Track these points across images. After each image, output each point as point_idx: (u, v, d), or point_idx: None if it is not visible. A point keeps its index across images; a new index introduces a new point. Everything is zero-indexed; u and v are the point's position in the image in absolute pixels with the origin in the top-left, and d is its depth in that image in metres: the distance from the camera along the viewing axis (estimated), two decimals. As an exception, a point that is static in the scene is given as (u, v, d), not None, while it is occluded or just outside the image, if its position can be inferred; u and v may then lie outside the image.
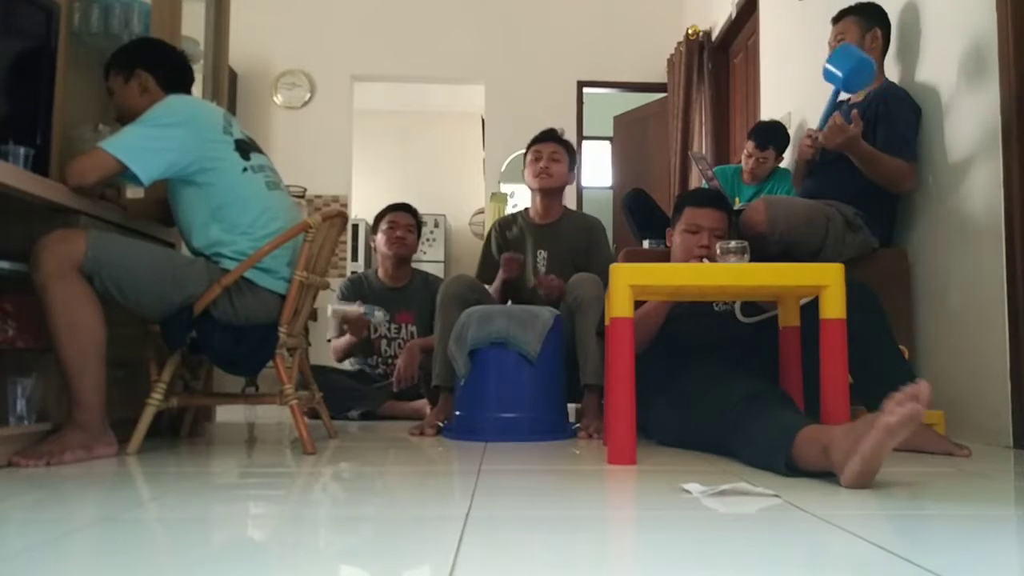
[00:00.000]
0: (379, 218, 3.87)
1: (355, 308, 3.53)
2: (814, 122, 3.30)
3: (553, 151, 3.19)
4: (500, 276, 3.14)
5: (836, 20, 3.05)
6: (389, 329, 3.73)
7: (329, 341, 3.82)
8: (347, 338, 3.69)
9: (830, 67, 2.87)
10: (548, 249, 3.18)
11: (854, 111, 2.72)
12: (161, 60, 2.40)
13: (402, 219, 3.81)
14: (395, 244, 3.76)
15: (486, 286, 3.18)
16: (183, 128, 2.22)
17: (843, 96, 3.01)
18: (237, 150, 2.32)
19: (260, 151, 2.45)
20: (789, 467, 1.72)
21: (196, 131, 2.25)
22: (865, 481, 1.59)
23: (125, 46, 2.43)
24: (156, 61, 2.38)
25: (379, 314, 3.53)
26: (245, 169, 2.32)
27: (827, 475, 1.67)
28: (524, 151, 3.29)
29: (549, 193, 3.20)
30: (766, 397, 1.97)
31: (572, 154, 3.27)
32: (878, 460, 1.57)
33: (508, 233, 3.29)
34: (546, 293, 2.99)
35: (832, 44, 3.02)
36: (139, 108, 2.28)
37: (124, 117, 2.35)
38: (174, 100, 2.29)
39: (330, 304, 3.67)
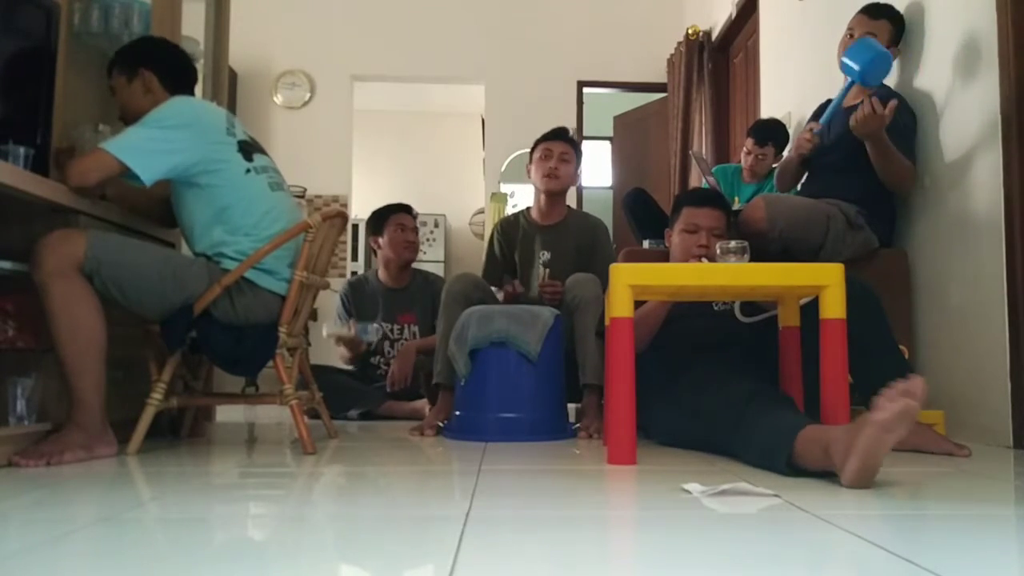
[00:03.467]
0: (381, 220, 3.78)
1: (348, 331, 3.55)
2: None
3: (564, 151, 3.14)
4: (501, 298, 3.13)
5: (873, 16, 2.94)
6: (391, 330, 3.73)
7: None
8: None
9: (847, 60, 2.82)
10: (552, 249, 3.16)
11: (892, 100, 2.65)
12: (165, 60, 2.40)
13: (409, 221, 3.77)
14: (409, 248, 3.73)
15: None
16: (186, 130, 2.22)
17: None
18: (240, 151, 2.32)
19: (263, 152, 2.44)
20: (791, 466, 1.72)
21: (199, 133, 2.24)
22: (865, 480, 1.58)
23: (128, 45, 2.43)
24: (160, 61, 2.38)
25: (372, 332, 3.56)
26: (248, 170, 2.32)
27: (827, 475, 1.67)
28: (531, 147, 3.23)
29: (554, 194, 3.18)
30: (765, 397, 1.97)
31: (580, 155, 3.24)
32: (877, 458, 1.57)
33: (511, 234, 3.27)
34: (550, 297, 2.99)
35: (858, 32, 2.92)
36: (143, 108, 2.28)
37: (128, 117, 2.35)
38: (177, 102, 2.28)
39: (324, 327, 3.70)
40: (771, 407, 1.91)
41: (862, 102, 2.72)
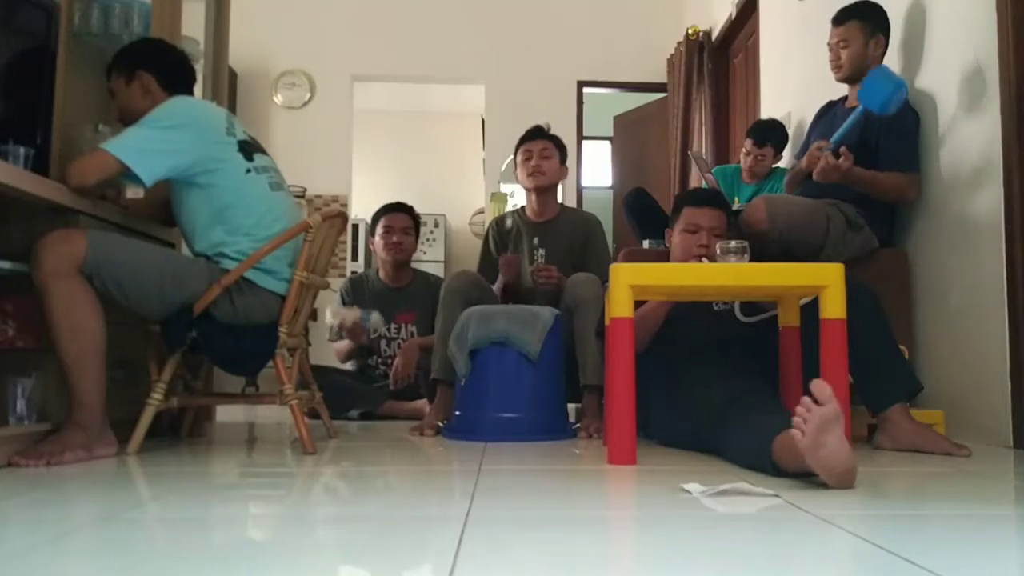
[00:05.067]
0: (375, 220, 3.83)
1: (351, 314, 3.54)
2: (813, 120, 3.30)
3: (543, 148, 3.18)
4: (500, 280, 3.14)
5: (838, 22, 2.96)
6: (389, 329, 3.73)
7: (331, 341, 3.82)
8: (347, 341, 3.70)
9: (865, 92, 2.76)
10: (546, 247, 3.19)
11: (843, 147, 2.69)
12: (162, 61, 2.39)
13: (398, 222, 3.76)
14: (392, 249, 3.73)
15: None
16: (186, 130, 2.22)
17: (852, 101, 2.99)
18: (240, 151, 2.32)
19: (263, 152, 2.44)
20: (777, 471, 1.72)
21: (199, 133, 2.24)
22: (846, 483, 1.57)
23: (126, 47, 2.43)
24: (158, 62, 2.38)
25: (375, 317, 3.54)
26: (248, 170, 2.32)
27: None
28: (513, 151, 3.27)
29: (543, 191, 3.21)
30: (745, 400, 1.97)
31: (562, 148, 3.26)
32: (837, 467, 1.54)
33: (505, 232, 3.29)
34: (543, 281, 2.99)
35: (833, 47, 2.96)
36: (142, 110, 2.28)
37: (127, 119, 2.35)
38: (177, 102, 2.28)
39: (327, 311, 3.68)
40: (749, 412, 1.90)
41: (842, 102, 2.67)
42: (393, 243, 3.73)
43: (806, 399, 1.53)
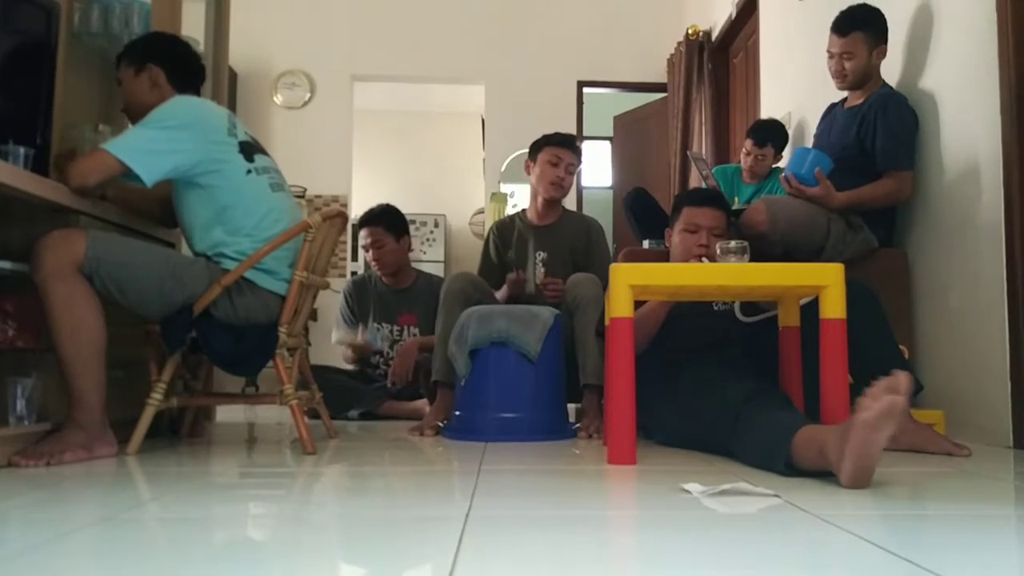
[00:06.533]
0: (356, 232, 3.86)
1: (359, 340, 3.60)
2: (814, 122, 3.30)
3: (571, 163, 3.15)
4: (505, 292, 3.13)
5: (842, 33, 2.89)
6: (392, 331, 3.74)
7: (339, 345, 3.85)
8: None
9: (794, 164, 2.83)
10: (547, 250, 3.18)
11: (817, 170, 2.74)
12: (173, 56, 2.40)
13: (369, 236, 3.70)
14: (374, 263, 3.75)
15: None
16: (187, 130, 2.21)
17: (852, 102, 2.99)
18: (241, 152, 2.32)
19: (264, 152, 2.44)
20: (789, 467, 1.72)
21: (200, 133, 2.24)
22: (862, 480, 1.58)
23: (139, 39, 2.44)
24: (168, 56, 2.38)
25: (381, 340, 3.65)
26: (249, 171, 2.31)
27: (827, 475, 1.67)
28: (535, 145, 3.19)
29: (555, 200, 3.20)
30: (763, 397, 1.97)
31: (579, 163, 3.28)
32: (870, 458, 1.55)
33: (507, 236, 3.28)
34: (551, 297, 2.99)
35: (836, 58, 2.91)
36: (147, 102, 2.28)
37: (131, 109, 2.36)
38: (179, 101, 2.28)
39: (334, 331, 3.74)
40: (768, 408, 1.91)
41: (842, 103, 2.67)
42: (372, 257, 3.74)
43: (883, 381, 1.52)
